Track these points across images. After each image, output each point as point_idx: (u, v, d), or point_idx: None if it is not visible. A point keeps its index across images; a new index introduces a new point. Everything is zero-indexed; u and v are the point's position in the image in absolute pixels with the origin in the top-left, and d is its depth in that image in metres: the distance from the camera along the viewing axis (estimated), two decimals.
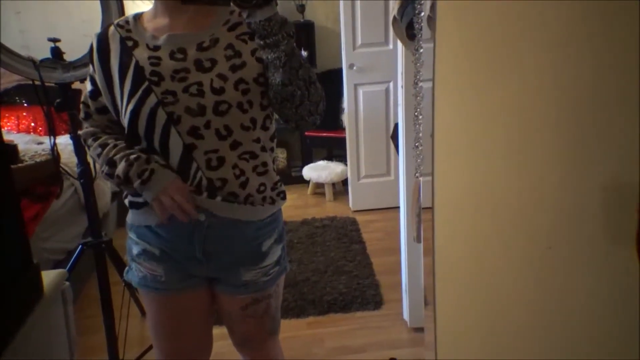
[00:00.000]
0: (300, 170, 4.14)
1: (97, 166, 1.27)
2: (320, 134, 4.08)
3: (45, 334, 0.98)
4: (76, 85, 1.79)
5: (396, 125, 2.39)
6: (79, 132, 1.29)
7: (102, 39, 1.21)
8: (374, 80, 3.53)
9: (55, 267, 2.39)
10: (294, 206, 3.83)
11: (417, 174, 0.99)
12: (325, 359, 2.19)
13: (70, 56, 1.76)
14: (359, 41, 3.46)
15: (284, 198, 1.30)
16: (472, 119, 0.76)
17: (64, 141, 2.71)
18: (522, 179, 0.77)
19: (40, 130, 3.52)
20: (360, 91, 3.56)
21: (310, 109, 1.15)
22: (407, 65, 2.03)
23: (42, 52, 1.73)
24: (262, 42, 1.09)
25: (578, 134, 0.75)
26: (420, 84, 0.95)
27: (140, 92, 1.14)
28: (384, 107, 3.58)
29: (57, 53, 1.74)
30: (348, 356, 2.19)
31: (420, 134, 0.96)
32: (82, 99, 1.26)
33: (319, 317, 2.46)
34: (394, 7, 1.12)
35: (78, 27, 1.81)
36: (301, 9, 4.17)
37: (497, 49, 0.74)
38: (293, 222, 3.48)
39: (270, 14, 1.06)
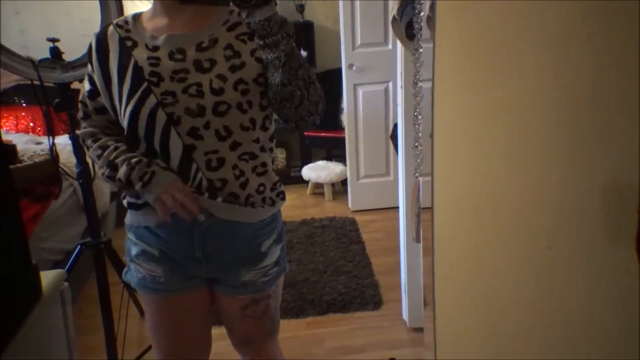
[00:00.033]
0: (300, 171, 4.14)
1: (96, 167, 1.27)
2: (320, 134, 4.08)
3: (44, 334, 0.98)
4: (75, 85, 1.78)
5: (395, 125, 2.39)
6: (77, 132, 1.29)
7: (101, 39, 1.21)
8: (374, 80, 3.53)
9: (54, 267, 2.39)
10: (293, 206, 3.83)
11: (416, 174, 0.99)
12: (324, 359, 2.19)
13: (70, 56, 1.76)
14: (358, 41, 3.46)
15: (283, 198, 1.30)
16: (472, 119, 0.76)
17: (63, 141, 2.71)
18: (522, 179, 0.77)
19: (39, 131, 3.52)
20: (360, 91, 3.56)
21: (309, 109, 1.15)
22: (407, 65, 2.03)
23: (42, 52, 1.73)
24: (261, 42, 1.09)
25: (578, 134, 0.75)
26: (420, 83, 0.95)
27: (139, 92, 1.13)
28: (384, 107, 3.58)
29: (56, 53, 1.74)
30: (348, 356, 2.19)
31: (420, 134, 0.96)
32: (80, 98, 1.26)
33: (318, 317, 2.46)
34: (393, 7, 1.12)
35: (78, 27, 1.81)
36: (300, 8, 4.17)
37: (497, 49, 0.74)
38: (292, 222, 3.48)
39: (270, 14, 1.06)
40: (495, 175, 0.78)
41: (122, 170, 1.16)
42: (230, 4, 1.05)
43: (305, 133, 4.08)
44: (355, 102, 3.58)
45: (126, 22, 1.22)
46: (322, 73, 4.15)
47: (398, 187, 2.35)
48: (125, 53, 1.17)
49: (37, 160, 2.59)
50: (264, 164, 1.23)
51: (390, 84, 3.51)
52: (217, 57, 1.14)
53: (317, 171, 3.97)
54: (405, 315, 2.37)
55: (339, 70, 3.65)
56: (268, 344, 1.41)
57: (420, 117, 0.96)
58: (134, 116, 1.15)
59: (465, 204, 0.79)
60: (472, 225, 0.80)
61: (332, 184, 3.98)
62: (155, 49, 1.16)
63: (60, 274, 1.05)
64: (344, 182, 3.96)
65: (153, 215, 1.20)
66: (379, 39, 3.44)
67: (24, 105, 3.63)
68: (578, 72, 0.73)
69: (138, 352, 2.01)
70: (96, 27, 1.65)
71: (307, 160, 4.25)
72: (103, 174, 1.21)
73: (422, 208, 1.00)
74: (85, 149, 1.27)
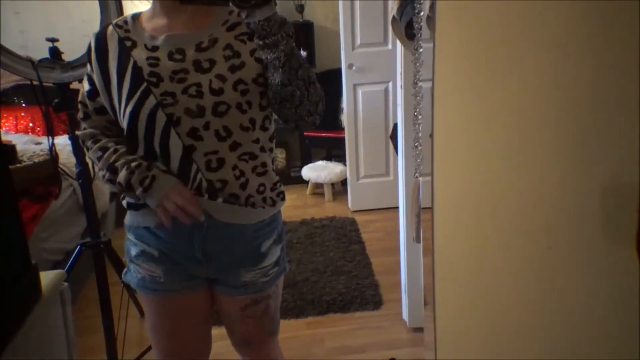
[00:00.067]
0: (300, 171, 4.14)
1: (96, 167, 1.26)
2: (320, 134, 4.08)
3: (43, 334, 0.97)
4: (75, 85, 1.78)
5: (395, 125, 2.39)
6: (78, 133, 1.29)
7: (101, 39, 1.21)
8: (373, 80, 3.53)
9: (53, 267, 2.39)
10: (293, 206, 3.83)
11: (416, 174, 0.99)
12: (324, 359, 2.19)
13: (70, 56, 1.76)
14: (358, 41, 3.46)
15: (283, 198, 1.29)
16: (472, 119, 0.76)
17: (63, 141, 2.71)
18: (522, 179, 0.77)
19: (39, 131, 3.52)
20: (360, 91, 3.56)
21: (309, 109, 1.15)
22: (406, 65, 2.03)
23: (42, 52, 1.73)
24: (261, 42, 1.09)
25: (578, 134, 0.75)
26: (420, 83, 0.95)
27: (139, 93, 1.13)
28: (383, 107, 3.58)
29: (55, 53, 1.73)
30: (348, 356, 2.19)
31: (420, 134, 0.96)
32: (80, 98, 1.26)
33: (318, 317, 2.46)
34: (393, 7, 1.12)
35: (77, 27, 1.81)
36: (300, 9, 4.16)
37: (497, 49, 0.74)
38: (292, 222, 3.48)
39: (269, 14, 1.05)
40: (495, 175, 0.78)
41: (122, 175, 1.16)
42: (230, 4, 1.04)
43: (305, 133, 4.08)
44: (355, 102, 3.58)
45: (125, 22, 1.21)
46: (321, 73, 4.15)
47: (398, 187, 2.35)
48: (124, 53, 1.17)
49: (36, 160, 2.59)
50: (264, 164, 1.23)
51: (390, 84, 3.51)
52: (216, 57, 1.14)
53: (317, 171, 3.97)
54: (405, 315, 2.37)
55: (339, 70, 3.65)
56: (268, 344, 1.41)
57: (420, 117, 0.96)
58: (134, 117, 1.14)
59: (465, 204, 0.79)
60: (472, 225, 0.80)
61: (332, 184, 3.98)
62: (155, 49, 1.16)
63: (59, 274, 1.05)
64: (343, 182, 3.96)
65: (152, 215, 1.20)
66: (378, 39, 3.44)
67: (24, 105, 3.63)
68: (578, 72, 0.73)
69: (138, 352, 2.00)
70: (96, 27, 1.65)
71: (307, 160, 4.25)
72: (103, 176, 1.21)
73: (422, 208, 1.00)
74: (86, 150, 1.27)
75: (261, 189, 1.23)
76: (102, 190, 2.99)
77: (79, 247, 1.96)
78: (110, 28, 1.21)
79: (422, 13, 0.92)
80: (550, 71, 0.73)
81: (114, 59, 1.17)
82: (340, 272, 2.82)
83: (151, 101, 1.13)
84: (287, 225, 3.37)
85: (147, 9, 1.23)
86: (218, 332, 1.43)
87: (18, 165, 2.49)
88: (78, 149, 1.81)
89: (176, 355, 1.35)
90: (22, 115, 3.59)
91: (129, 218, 1.27)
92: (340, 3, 3.42)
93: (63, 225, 2.59)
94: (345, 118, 3.66)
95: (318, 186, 4.06)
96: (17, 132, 3.51)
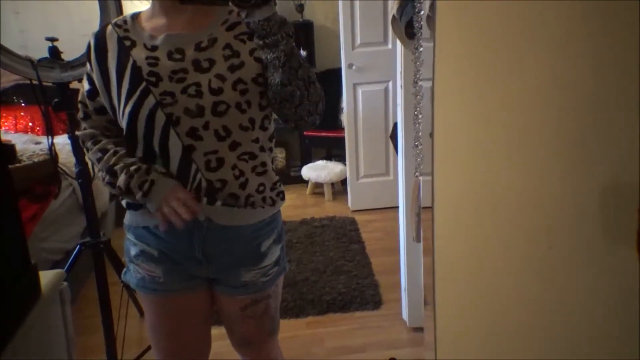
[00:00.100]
0: (299, 170, 4.13)
1: (96, 167, 1.26)
2: (319, 134, 4.08)
3: (43, 334, 0.97)
4: (74, 84, 1.78)
5: (395, 125, 2.39)
6: (78, 133, 1.29)
7: (100, 38, 1.20)
8: (373, 80, 3.53)
9: (53, 267, 2.39)
10: (293, 206, 3.82)
11: (416, 174, 0.99)
12: (324, 359, 2.19)
13: (69, 56, 1.76)
14: (358, 41, 3.46)
15: (283, 198, 1.29)
16: (472, 119, 0.76)
17: (62, 141, 2.71)
18: (522, 179, 0.77)
19: (38, 130, 3.52)
20: (360, 91, 3.56)
21: (309, 109, 1.15)
22: (406, 64, 2.03)
23: (42, 52, 1.73)
24: (261, 42, 1.09)
25: (578, 134, 0.75)
26: (420, 83, 0.95)
27: (138, 92, 1.13)
28: (383, 107, 3.57)
29: (54, 52, 1.73)
30: (347, 356, 2.19)
31: (420, 134, 0.96)
32: (80, 98, 1.25)
33: (318, 317, 2.46)
34: (393, 7, 1.12)
35: (77, 27, 1.81)
36: (300, 8, 4.16)
37: (497, 49, 0.74)
38: (292, 222, 3.48)
39: (269, 14, 1.05)
40: (496, 174, 0.78)
41: (121, 179, 1.16)
42: (230, 3, 1.04)
43: (305, 133, 4.07)
44: (355, 102, 3.58)
45: (125, 21, 1.21)
46: (321, 73, 4.15)
47: (398, 187, 2.35)
48: (123, 53, 1.17)
49: (36, 160, 2.59)
50: (263, 164, 1.23)
51: (390, 84, 3.51)
52: (216, 57, 1.14)
53: (316, 171, 3.97)
54: (405, 315, 2.37)
55: (339, 70, 3.65)
56: (268, 344, 1.41)
57: (420, 116, 0.96)
58: (133, 116, 1.14)
59: (465, 204, 0.79)
60: (472, 225, 0.80)
61: (332, 184, 3.98)
62: (154, 48, 1.15)
63: (59, 274, 1.05)
64: (343, 182, 3.96)
65: (152, 215, 1.20)
66: (378, 38, 3.44)
67: (23, 105, 3.62)
68: (578, 72, 0.73)
69: (138, 352, 2.00)
70: (95, 27, 1.65)
71: (307, 160, 4.25)
72: (103, 179, 1.21)
73: (422, 207, 1.00)
74: (86, 151, 1.26)
75: (261, 188, 1.23)
76: (102, 189, 2.99)
77: (78, 246, 1.96)
78: (110, 27, 1.21)
79: (422, 12, 0.91)
80: (550, 71, 0.73)
81: (113, 58, 1.17)
82: (340, 271, 2.82)
83: (150, 101, 1.12)
84: (286, 225, 3.37)
85: (147, 8, 1.23)
86: (218, 332, 1.43)
87: (17, 164, 2.49)
88: (77, 149, 1.81)
89: (176, 355, 1.35)
90: (21, 114, 3.59)
91: (128, 218, 1.27)
92: (340, 3, 3.42)
93: (62, 225, 2.59)
94: (345, 118, 3.66)
95: (318, 186, 4.06)
96: (16, 131, 3.51)
